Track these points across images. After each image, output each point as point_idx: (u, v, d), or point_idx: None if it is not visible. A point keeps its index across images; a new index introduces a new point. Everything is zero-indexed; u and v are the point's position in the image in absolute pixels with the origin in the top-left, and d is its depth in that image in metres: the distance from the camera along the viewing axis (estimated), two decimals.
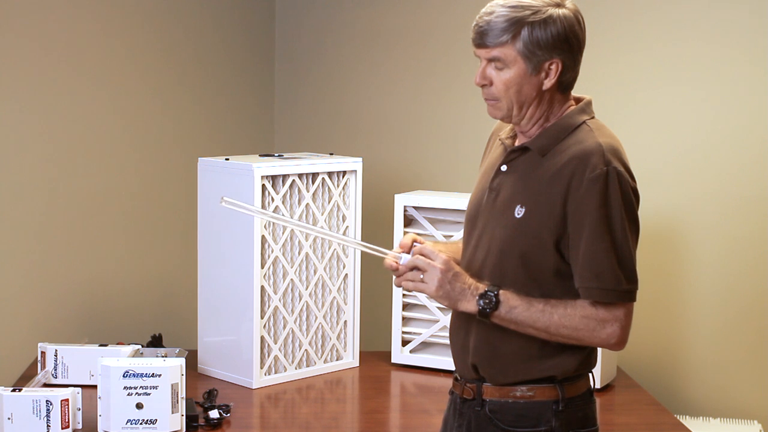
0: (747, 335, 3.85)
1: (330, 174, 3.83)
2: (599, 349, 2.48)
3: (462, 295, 2.25)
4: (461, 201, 3.77)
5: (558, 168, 2.22)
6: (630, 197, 2.22)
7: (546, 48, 2.21)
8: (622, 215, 2.19)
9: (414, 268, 2.27)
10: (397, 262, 2.29)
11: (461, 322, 2.38)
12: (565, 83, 2.29)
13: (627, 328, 2.24)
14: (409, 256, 2.29)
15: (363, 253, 3.95)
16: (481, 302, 2.24)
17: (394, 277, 2.32)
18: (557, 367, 2.28)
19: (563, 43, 2.23)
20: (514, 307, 2.23)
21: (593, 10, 4.01)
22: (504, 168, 2.34)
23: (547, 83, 2.25)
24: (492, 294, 2.24)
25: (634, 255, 2.23)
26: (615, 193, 2.18)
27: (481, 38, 2.24)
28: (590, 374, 2.37)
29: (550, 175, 2.23)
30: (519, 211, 2.25)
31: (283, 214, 3.68)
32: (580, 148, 2.22)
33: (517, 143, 2.36)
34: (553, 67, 2.24)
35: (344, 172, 3.88)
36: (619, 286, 2.20)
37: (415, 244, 2.33)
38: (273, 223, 3.66)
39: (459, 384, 2.41)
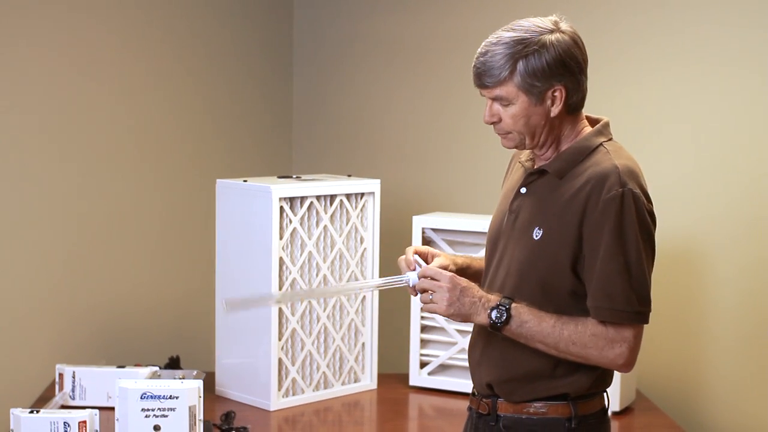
0: None
1: (348, 196, 3.83)
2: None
3: (473, 309, 2.27)
4: (480, 222, 3.76)
5: (575, 190, 2.24)
6: (646, 219, 2.22)
7: (544, 77, 2.23)
8: (637, 237, 2.20)
9: (423, 290, 2.31)
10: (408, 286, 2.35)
11: (477, 339, 2.42)
12: (573, 105, 2.31)
13: (636, 349, 2.25)
14: (415, 275, 2.32)
15: (381, 276, 3.94)
16: (493, 315, 2.26)
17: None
18: (570, 386, 2.31)
19: (561, 68, 2.24)
20: (525, 322, 2.25)
21: (609, 33, 4.02)
22: (523, 190, 2.36)
23: (555, 110, 2.27)
24: (504, 307, 2.26)
25: (648, 277, 2.24)
26: (630, 214, 2.19)
27: (480, 79, 2.28)
28: (605, 394, 2.38)
29: (568, 197, 2.25)
30: (537, 233, 2.28)
31: (302, 238, 3.68)
32: (596, 170, 2.24)
33: (535, 166, 2.39)
34: (557, 94, 2.26)
35: (362, 194, 3.88)
36: (629, 308, 2.21)
37: (416, 257, 2.36)
38: (291, 245, 3.66)
39: (475, 399, 2.45)
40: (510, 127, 2.29)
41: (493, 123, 2.31)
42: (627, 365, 2.24)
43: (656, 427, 3.53)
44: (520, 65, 2.22)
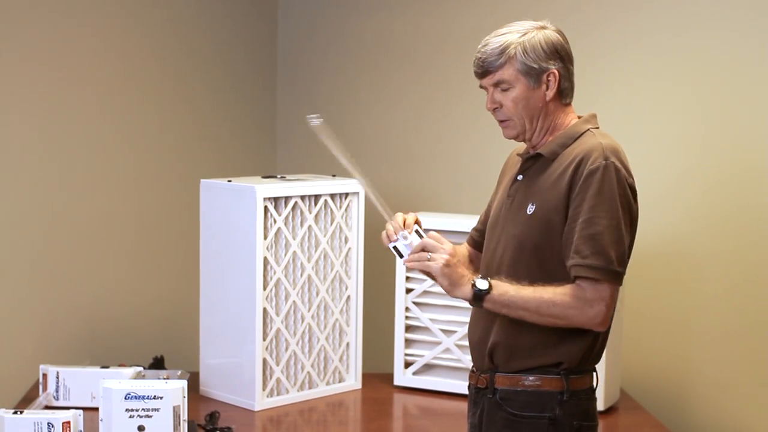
0: (755, 356, 3.83)
1: (332, 196, 3.83)
2: (602, 371, 2.54)
3: (461, 280, 2.41)
4: (464, 222, 3.76)
5: (564, 167, 2.43)
6: (626, 190, 2.40)
7: (540, 59, 2.45)
8: (616, 204, 2.37)
9: (423, 249, 2.44)
10: (392, 237, 2.50)
11: (478, 319, 2.57)
12: (564, 92, 2.51)
13: (611, 308, 2.39)
14: (416, 237, 2.48)
15: (365, 276, 3.95)
16: (476, 285, 2.40)
17: (400, 259, 2.52)
18: (564, 354, 2.44)
19: (553, 53, 2.47)
20: (506, 291, 2.39)
21: (595, 35, 4.03)
22: (520, 177, 2.55)
23: (550, 93, 2.48)
24: (486, 279, 2.41)
25: (625, 243, 2.40)
26: (611, 183, 2.37)
27: (481, 68, 2.49)
28: (594, 373, 2.53)
29: (558, 174, 2.44)
30: (530, 209, 2.46)
31: (286, 236, 3.68)
32: (583, 148, 2.43)
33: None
34: (551, 78, 2.47)
35: (347, 194, 3.88)
36: (609, 266, 2.35)
37: (416, 226, 2.52)
38: (275, 245, 3.66)
39: (474, 375, 2.59)
40: (511, 112, 2.48)
41: (494, 109, 2.50)
42: (603, 323, 2.38)
43: (641, 426, 3.54)
44: (519, 49, 2.44)
